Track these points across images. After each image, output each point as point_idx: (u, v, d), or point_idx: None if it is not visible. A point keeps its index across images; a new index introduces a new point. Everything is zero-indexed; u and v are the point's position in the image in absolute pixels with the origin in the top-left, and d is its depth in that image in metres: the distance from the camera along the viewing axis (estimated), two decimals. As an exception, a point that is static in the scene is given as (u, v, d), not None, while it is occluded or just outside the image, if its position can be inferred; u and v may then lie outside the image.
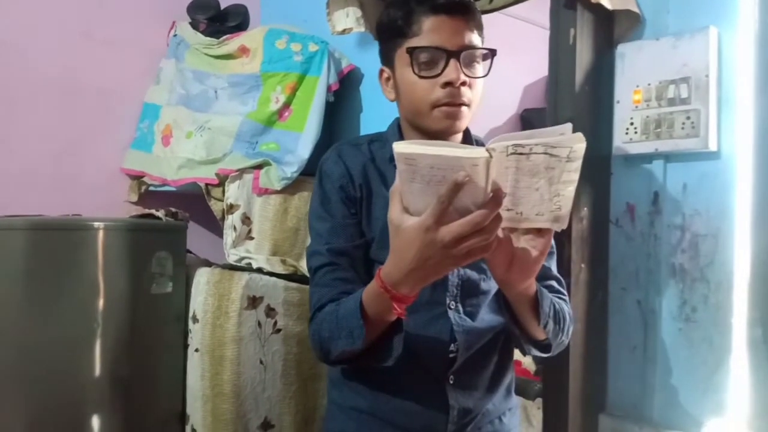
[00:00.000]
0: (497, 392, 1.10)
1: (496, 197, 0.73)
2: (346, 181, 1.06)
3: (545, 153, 0.72)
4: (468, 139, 1.11)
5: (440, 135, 1.02)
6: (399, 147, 0.71)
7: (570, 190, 0.75)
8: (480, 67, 1.02)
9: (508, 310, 0.97)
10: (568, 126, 0.76)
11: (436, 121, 1.01)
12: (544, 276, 1.06)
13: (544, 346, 1.01)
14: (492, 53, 1.03)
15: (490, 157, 0.71)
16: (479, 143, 1.12)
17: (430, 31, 1.00)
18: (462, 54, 0.99)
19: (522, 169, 0.73)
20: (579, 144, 0.72)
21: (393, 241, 0.81)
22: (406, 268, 0.80)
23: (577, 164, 0.73)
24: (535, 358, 1.60)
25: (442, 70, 0.99)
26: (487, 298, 1.08)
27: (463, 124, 1.03)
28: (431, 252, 0.76)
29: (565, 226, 0.79)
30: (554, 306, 0.97)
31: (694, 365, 1.27)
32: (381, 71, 1.09)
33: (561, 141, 0.72)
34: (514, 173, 0.73)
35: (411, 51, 1.00)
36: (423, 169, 0.72)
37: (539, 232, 0.82)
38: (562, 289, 1.08)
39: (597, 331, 1.39)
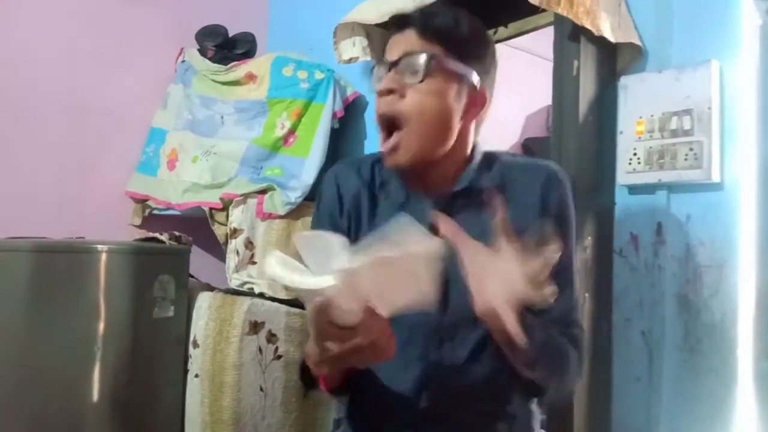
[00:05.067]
0: None
1: (360, 328, 0.71)
2: (334, 208, 1.02)
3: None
4: (472, 158, 1.00)
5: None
6: (267, 267, 0.74)
7: None
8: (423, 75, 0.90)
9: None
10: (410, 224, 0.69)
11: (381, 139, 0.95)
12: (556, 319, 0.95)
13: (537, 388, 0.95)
14: (430, 57, 0.89)
15: (337, 284, 0.68)
16: (490, 159, 1.01)
17: (388, 49, 0.95)
18: (400, 62, 0.91)
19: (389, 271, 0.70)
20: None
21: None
22: (320, 356, 0.77)
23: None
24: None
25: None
26: (474, 339, 0.94)
27: (398, 144, 0.92)
28: (327, 356, 0.75)
29: None
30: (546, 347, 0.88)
31: (699, 397, 1.26)
32: None
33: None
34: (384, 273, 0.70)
35: (371, 71, 0.98)
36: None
37: None
38: (568, 330, 0.96)
39: (601, 361, 1.38)
